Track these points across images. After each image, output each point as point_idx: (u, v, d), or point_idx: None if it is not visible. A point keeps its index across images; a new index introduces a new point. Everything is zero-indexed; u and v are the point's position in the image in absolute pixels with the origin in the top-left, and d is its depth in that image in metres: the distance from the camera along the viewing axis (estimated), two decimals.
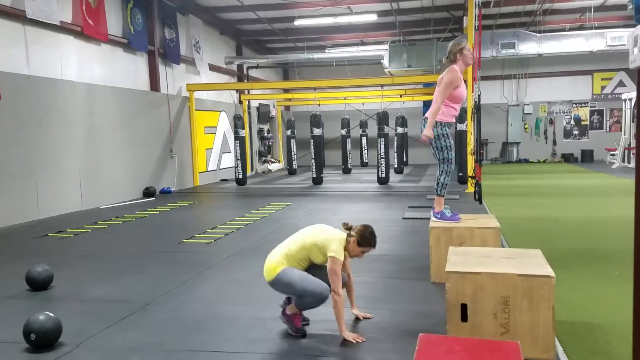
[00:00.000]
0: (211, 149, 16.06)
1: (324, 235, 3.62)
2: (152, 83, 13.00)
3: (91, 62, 10.82)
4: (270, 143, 20.65)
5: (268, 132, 20.43)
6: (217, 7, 15.16)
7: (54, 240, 7.35)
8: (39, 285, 4.91)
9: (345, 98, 18.11)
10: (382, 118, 13.52)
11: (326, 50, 18.82)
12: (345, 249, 3.59)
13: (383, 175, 13.51)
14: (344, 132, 17.91)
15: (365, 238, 3.60)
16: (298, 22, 15.60)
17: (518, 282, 3.08)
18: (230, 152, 16.94)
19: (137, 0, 12.22)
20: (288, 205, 10.39)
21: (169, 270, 5.54)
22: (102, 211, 10.09)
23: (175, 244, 6.91)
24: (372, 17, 15.26)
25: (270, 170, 19.58)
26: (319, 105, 17.27)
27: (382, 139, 13.37)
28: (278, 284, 3.59)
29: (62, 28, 9.83)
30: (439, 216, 5.00)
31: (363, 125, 20.00)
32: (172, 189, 13.31)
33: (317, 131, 13.76)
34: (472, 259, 3.43)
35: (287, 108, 22.67)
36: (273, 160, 20.64)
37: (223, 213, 9.72)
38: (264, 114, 20.24)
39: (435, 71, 13.64)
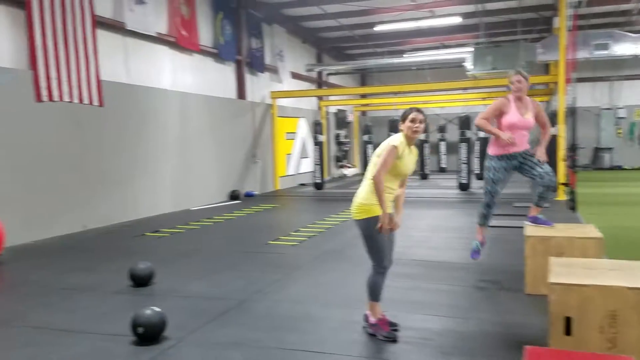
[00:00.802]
0: (291, 154, 16.41)
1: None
2: (239, 91, 13.52)
3: (184, 72, 11.44)
4: (347, 148, 20.78)
5: (345, 137, 20.57)
6: (301, 16, 15.50)
7: (151, 239, 7.83)
8: (141, 281, 5.25)
9: (424, 102, 17.86)
10: (464, 122, 13.21)
11: (405, 55, 18.66)
12: (405, 137, 3.69)
13: (464, 181, 13.19)
14: (421, 137, 17.65)
15: (403, 114, 3.74)
16: (378, 28, 15.60)
17: (628, 295, 2.93)
18: (308, 157, 17.23)
19: (227, 12, 12.76)
20: None
21: (259, 270, 5.75)
22: (193, 212, 10.61)
23: (262, 245, 7.15)
24: (456, 20, 14.98)
25: (346, 175, 19.68)
26: (397, 109, 17.18)
27: (464, 143, 13.06)
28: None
29: (158, 39, 10.47)
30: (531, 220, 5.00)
31: (442, 129, 19.64)
32: (255, 193, 13.74)
33: None
34: (577, 270, 3.30)
35: (363, 113, 22.72)
36: (349, 165, 20.74)
37: (304, 216, 9.91)
38: (341, 120, 20.42)
39: None
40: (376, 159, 3.69)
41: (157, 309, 3.86)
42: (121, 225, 9.15)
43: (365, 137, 17.70)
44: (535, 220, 5.00)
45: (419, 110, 3.77)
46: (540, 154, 4.86)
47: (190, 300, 4.73)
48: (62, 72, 8.23)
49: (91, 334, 3.93)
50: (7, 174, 7.42)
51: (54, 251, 7.09)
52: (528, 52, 13.33)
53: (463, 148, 13.09)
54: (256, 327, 4.02)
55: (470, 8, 14.34)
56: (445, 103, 18.22)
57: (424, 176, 17.51)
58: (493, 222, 8.44)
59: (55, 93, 8.14)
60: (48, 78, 8.01)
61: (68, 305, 4.68)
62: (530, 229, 4.81)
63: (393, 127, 13.60)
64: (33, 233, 7.71)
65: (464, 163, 13.04)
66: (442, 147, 19.67)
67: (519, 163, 4.92)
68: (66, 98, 8.32)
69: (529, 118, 4.89)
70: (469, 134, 13.20)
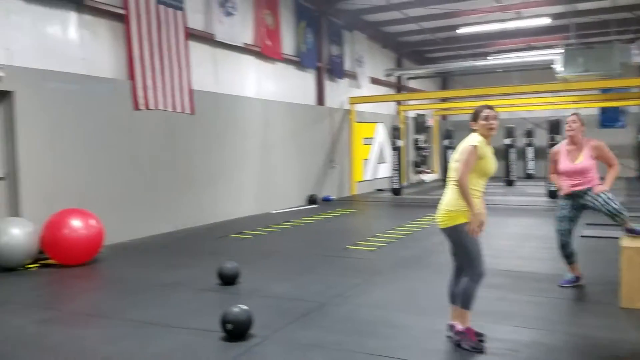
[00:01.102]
0: (368, 159, 16.42)
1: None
2: (319, 97, 13.76)
3: (267, 80, 11.83)
4: (426, 153, 20.46)
5: (424, 142, 20.28)
6: (381, 21, 15.51)
7: (234, 240, 8.16)
8: (228, 280, 5.50)
9: (510, 106, 17.23)
10: (554, 127, 12.61)
11: (489, 57, 18.12)
12: (481, 136, 3.67)
13: (553, 189, 12.55)
14: (507, 141, 17.05)
15: (475, 113, 3.74)
16: (461, 31, 15.28)
17: None
18: (385, 162, 17.16)
19: (309, 21, 13.05)
20: None
21: (339, 274, 5.83)
22: (273, 216, 10.92)
23: (341, 250, 7.24)
24: (545, 21, 14.35)
25: (424, 181, 19.38)
26: None
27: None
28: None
29: (244, 49, 10.90)
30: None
31: (529, 134, 18.85)
32: (332, 197, 13.89)
33: None
34: None
35: (444, 118, 22.29)
36: (427, 170, 20.40)
37: (382, 222, 9.90)
38: (420, 124, 20.16)
39: (616, 75, 12.36)
40: (456, 164, 3.64)
41: (245, 307, 4.03)
42: (207, 226, 9.60)
43: (446, 142, 17.37)
44: (631, 231, 4.73)
45: (490, 107, 3.74)
46: (600, 188, 4.88)
47: (273, 300, 4.90)
48: (157, 82, 8.80)
49: (183, 329, 4.18)
50: (107, 176, 8.03)
51: (148, 250, 7.58)
52: (622, 53, 12.51)
53: None
54: (337, 330, 4.09)
55: (559, 9, 13.70)
56: (533, 107, 17.47)
57: (509, 183, 16.88)
58: (587, 232, 8.02)
59: (151, 102, 8.72)
60: (145, 88, 8.59)
61: (162, 301, 5.00)
62: (627, 241, 4.54)
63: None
64: (128, 232, 8.28)
65: None
66: (530, 152, 18.86)
67: (586, 201, 5.00)
68: (161, 106, 8.88)
69: (581, 162, 4.94)
70: (558, 138, 12.56)
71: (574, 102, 15.59)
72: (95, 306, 4.98)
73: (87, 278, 6.10)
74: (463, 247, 3.64)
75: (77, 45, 7.78)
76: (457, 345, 3.66)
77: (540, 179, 16.88)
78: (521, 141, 18.79)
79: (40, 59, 7.23)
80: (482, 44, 17.70)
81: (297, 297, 5.01)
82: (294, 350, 3.72)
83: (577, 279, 5.14)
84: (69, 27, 7.67)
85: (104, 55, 8.18)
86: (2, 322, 4.40)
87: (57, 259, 6.51)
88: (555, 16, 14.25)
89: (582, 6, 13.35)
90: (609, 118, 19.19)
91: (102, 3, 8.01)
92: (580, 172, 4.93)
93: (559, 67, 13.44)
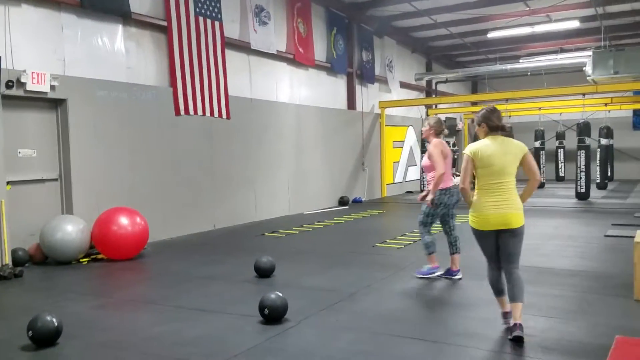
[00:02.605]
0: (398, 162, 16.69)
1: None
2: (349, 102, 14.14)
3: (300, 85, 12.28)
4: (456, 156, 20.53)
5: (454, 145, 20.37)
6: (411, 27, 15.80)
7: (270, 238, 8.59)
8: (264, 273, 5.92)
9: (539, 108, 17.22)
10: (584, 129, 12.66)
11: (520, 60, 18.16)
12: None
13: (582, 190, 12.60)
14: (537, 144, 17.05)
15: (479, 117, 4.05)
16: (491, 35, 15.42)
17: None
18: (415, 165, 17.39)
19: (340, 27, 13.46)
20: None
21: (367, 269, 6.18)
22: (306, 216, 11.33)
23: (369, 247, 7.58)
24: (574, 24, 14.38)
25: (455, 184, 19.44)
26: (509, 116, 16.76)
27: (582, 151, 12.50)
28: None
29: (278, 56, 11.38)
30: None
31: (560, 136, 18.75)
32: (362, 199, 14.22)
33: None
34: None
35: (473, 121, 22.30)
36: (458, 173, 20.40)
37: (410, 222, 10.12)
38: (450, 128, 20.27)
39: None
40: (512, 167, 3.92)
41: (281, 294, 4.43)
42: (244, 225, 10.07)
43: None
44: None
45: (492, 110, 4.07)
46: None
47: (306, 291, 5.28)
48: (196, 89, 9.34)
49: (225, 314, 4.60)
50: (151, 177, 8.58)
51: (188, 247, 8.08)
52: None
53: (582, 156, 12.52)
54: (365, 315, 4.45)
55: (589, 12, 13.71)
56: (564, 109, 17.42)
57: (540, 185, 16.85)
58: (612, 231, 8.15)
59: (191, 108, 9.26)
60: (185, 94, 9.13)
61: (204, 290, 5.45)
62: None
63: (510, 134, 13.35)
64: (170, 230, 8.81)
65: (582, 172, 12.46)
66: (561, 154, 18.76)
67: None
68: (200, 112, 9.41)
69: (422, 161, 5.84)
70: (588, 140, 12.61)
71: (606, 104, 15.50)
72: (144, 294, 5.46)
73: (134, 271, 6.62)
74: (521, 242, 3.91)
75: (123, 56, 8.37)
76: (519, 339, 3.68)
77: (571, 181, 16.81)
78: (552, 143, 18.71)
79: (90, 69, 7.84)
80: (512, 47, 17.76)
81: (328, 288, 5.38)
82: (325, 332, 4.09)
83: (436, 269, 5.62)
84: (116, 38, 8.26)
85: (148, 65, 8.75)
86: (62, 308, 4.90)
87: (107, 253, 7.06)
88: (585, 19, 14.26)
89: (612, 9, 13.33)
90: None
91: (146, 16, 8.59)
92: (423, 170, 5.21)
93: (589, 69, 13.46)
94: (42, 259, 6.99)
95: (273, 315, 4.32)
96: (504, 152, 3.85)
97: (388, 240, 8.02)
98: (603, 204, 12.08)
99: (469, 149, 3.95)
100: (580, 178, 12.58)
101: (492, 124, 3.95)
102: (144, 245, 7.34)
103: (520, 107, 17.66)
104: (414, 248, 7.40)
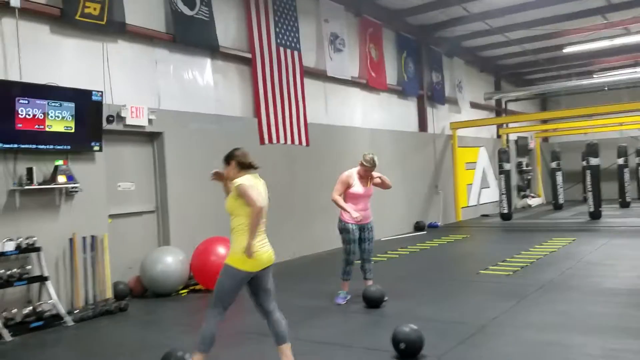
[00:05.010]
0: (471, 184, 16.17)
1: None
2: (421, 124, 13.89)
3: (373, 110, 12.15)
4: (529, 177, 19.80)
5: (527, 165, 19.67)
6: (479, 46, 15.49)
7: (356, 266, 8.31)
8: (374, 303, 5.66)
9: (621, 124, 16.39)
10: None
11: (594, 75, 17.44)
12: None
13: None
14: (620, 161, 16.18)
15: None
16: (568, 50, 14.89)
17: None
18: (489, 187, 16.82)
19: (410, 50, 13.32)
20: (574, 240, 9.81)
21: (483, 297, 5.83)
22: (385, 242, 11.02)
23: (473, 274, 7.20)
24: None
25: (530, 206, 18.68)
26: (586, 133, 16.04)
27: None
28: None
29: (351, 82, 11.31)
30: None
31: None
32: (438, 224, 13.79)
33: (594, 161, 12.80)
34: None
35: (545, 139, 21.53)
36: (532, 194, 19.68)
37: (504, 247, 9.70)
38: (522, 147, 19.61)
39: None
40: None
41: (415, 327, 4.15)
42: (324, 253, 9.86)
43: (553, 164, 16.78)
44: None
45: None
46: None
47: (427, 323, 4.90)
48: (278, 118, 9.35)
49: (353, 348, 4.38)
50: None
51: (280, 275, 7.90)
52: None
53: None
54: (508, 351, 4.10)
55: None
56: None
57: (624, 204, 15.94)
58: None
59: (274, 136, 9.26)
60: (268, 124, 9.15)
61: (317, 322, 5.25)
62: None
63: (591, 152, 12.75)
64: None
65: None
66: None
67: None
68: (282, 140, 9.40)
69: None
70: None
71: None
72: (255, 326, 5.23)
73: (236, 301, 6.49)
74: None
75: (212, 88, 8.48)
76: None
77: None
78: (633, 161, 17.73)
79: (182, 102, 7.96)
80: (585, 62, 17.09)
81: (450, 319, 5.06)
82: None
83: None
84: (205, 72, 8.40)
85: (234, 96, 8.84)
86: (178, 341, 4.76)
87: (206, 284, 7.00)
88: None
89: None
90: None
91: (232, 49, 8.71)
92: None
93: None
94: (142, 291, 7.00)
95: (410, 350, 4.05)
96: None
97: (490, 267, 7.60)
98: None
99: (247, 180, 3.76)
100: None
101: (245, 162, 3.87)
102: None
103: (599, 123, 16.87)
104: (525, 274, 6.97)
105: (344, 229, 6.02)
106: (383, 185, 6.39)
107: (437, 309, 5.46)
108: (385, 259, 8.93)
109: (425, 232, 12.59)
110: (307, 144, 9.97)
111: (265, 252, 3.83)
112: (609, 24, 13.25)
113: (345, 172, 6.20)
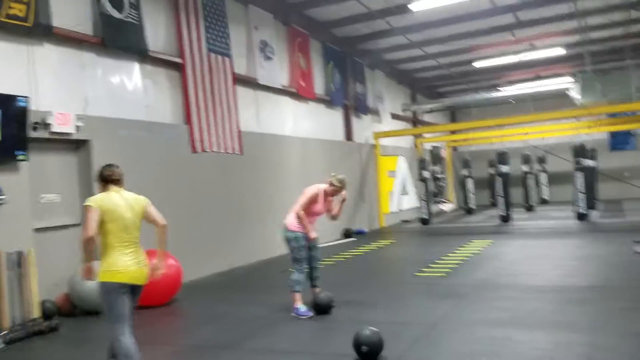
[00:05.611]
0: (392, 191, 16.75)
1: None
2: (347, 133, 14.21)
3: (303, 119, 12.25)
4: (443, 184, 20.84)
5: (441, 172, 20.70)
6: (398, 59, 16.17)
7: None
8: (323, 309, 5.68)
9: (525, 134, 17.76)
10: (579, 151, 13.07)
11: (500, 88, 18.79)
12: None
13: (583, 211, 12.89)
14: (524, 168, 17.51)
15: None
16: (477, 64, 15.93)
17: None
18: (407, 194, 17.52)
19: (336, 61, 13.60)
20: (492, 242, 10.44)
21: (426, 299, 6.05)
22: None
23: (410, 277, 7.47)
24: (559, 52, 15.03)
25: (444, 211, 19.67)
26: (492, 143, 17.20)
27: (581, 172, 12.85)
28: None
29: (282, 91, 11.35)
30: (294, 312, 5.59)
31: (541, 161, 19.33)
32: (366, 230, 14.12)
33: (504, 168, 13.76)
34: None
35: (454, 149, 22.83)
36: (444, 200, 20.72)
37: (431, 250, 10.13)
38: (435, 156, 20.62)
39: (635, 98, 12.88)
40: None
41: (375, 329, 4.24)
42: (261, 262, 9.77)
43: (465, 172, 17.80)
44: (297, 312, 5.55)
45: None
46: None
47: (377, 325, 4.94)
48: (210, 126, 9.15)
49: (316, 355, 4.38)
50: (168, 217, 8.23)
51: (219, 287, 7.74)
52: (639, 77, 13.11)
53: (579, 177, 12.86)
54: (468, 347, 4.28)
55: (572, 39, 14.34)
56: (546, 133, 18.01)
57: (529, 208, 17.24)
58: (638, 248, 8.32)
59: (206, 144, 9.05)
60: (200, 132, 8.93)
61: (270, 330, 5.18)
62: None
63: (502, 160, 13.69)
64: (192, 272, 8.41)
65: (582, 193, 12.77)
66: (543, 178, 19.29)
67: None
68: (214, 148, 9.21)
69: None
70: (584, 162, 13.01)
71: (588, 127, 16.10)
72: (211, 339, 5.12)
73: (179, 316, 6.28)
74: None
75: (141, 94, 8.14)
76: None
77: (556, 204, 17.30)
78: (534, 168, 19.25)
79: (110, 108, 7.57)
80: (493, 76, 18.37)
81: (400, 320, 5.22)
82: None
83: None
84: (134, 77, 8.05)
85: (164, 102, 8.54)
86: None
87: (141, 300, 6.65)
88: (569, 46, 14.90)
89: (595, 35, 13.98)
90: (618, 141, 19.77)
91: (162, 53, 8.43)
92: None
93: (575, 94, 14.02)
94: (71, 309, 6.53)
95: (372, 352, 4.13)
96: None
97: (424, 269, 7.91)
98: (609, 224, 12.40)
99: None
100: (578, 199, 12.86)
101: (103, 175, 3.98)
102: (178, 288, 6.98)
103: (506, 132, 18.14)
104: (458, 275, 7.32)
105: (294, 239, 5.95)
106: (336, 212, 6.38)
107: (384, 312, 5.60)
108: (323, 266, 8.97)
109: (354, 239, 12.83)
110: (241, 152, 9.84)
111: (134, 269, 3.78)
112: (516, 40, 14.36)
113: (313, 188, 6.14)
